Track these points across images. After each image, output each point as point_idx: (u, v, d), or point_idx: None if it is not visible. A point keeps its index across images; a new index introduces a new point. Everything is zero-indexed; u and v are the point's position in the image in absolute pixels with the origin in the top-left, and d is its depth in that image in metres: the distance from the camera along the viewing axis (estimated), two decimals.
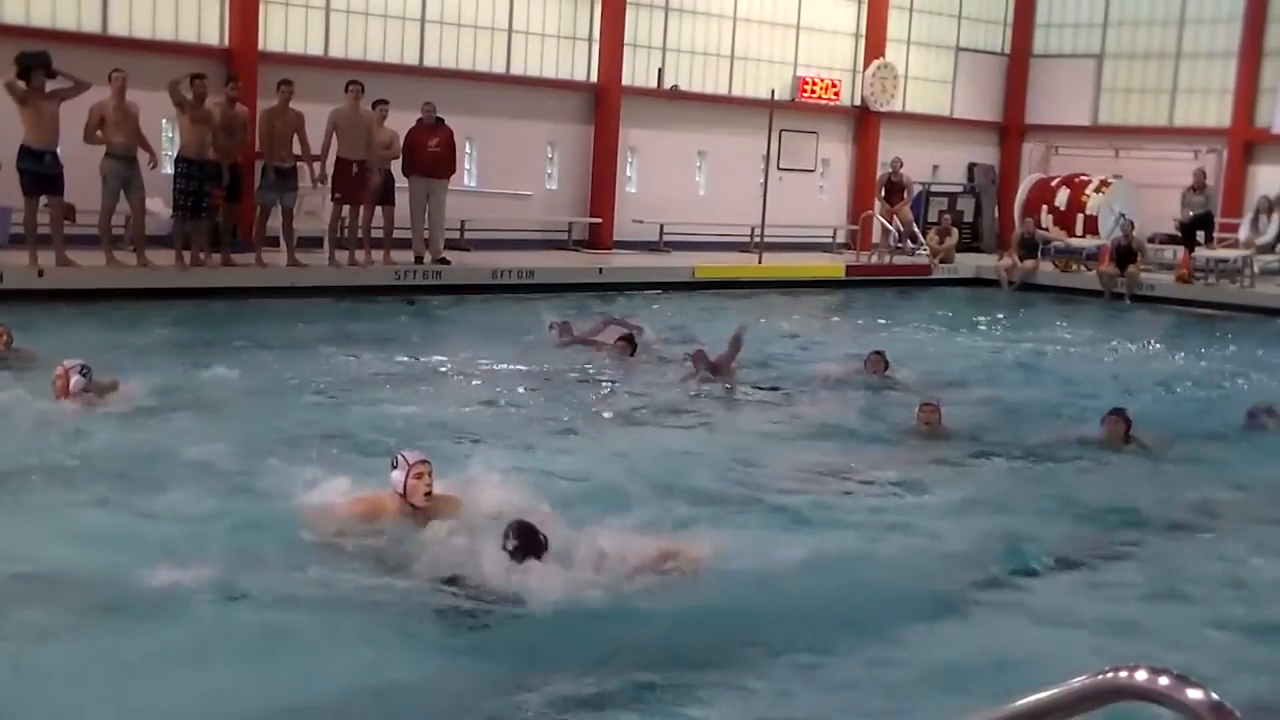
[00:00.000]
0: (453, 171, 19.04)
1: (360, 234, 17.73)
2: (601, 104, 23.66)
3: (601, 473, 8.67)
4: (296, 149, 16.85)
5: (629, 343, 13.13)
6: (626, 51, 23.94)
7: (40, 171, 14.95)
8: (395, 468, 6.64)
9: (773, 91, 23.81)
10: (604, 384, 12.04)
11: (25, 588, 6.09)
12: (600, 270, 20.57)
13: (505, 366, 12.59)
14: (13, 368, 10.51)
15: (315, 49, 20.69)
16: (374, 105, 17.50)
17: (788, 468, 9.24)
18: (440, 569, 6.20)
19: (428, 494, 6.62)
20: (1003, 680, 5.34)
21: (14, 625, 5.69)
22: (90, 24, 18.66)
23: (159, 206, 16.49)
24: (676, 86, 24.55)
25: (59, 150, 15.11)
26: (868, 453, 9.89)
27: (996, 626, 6.44)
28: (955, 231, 24.88)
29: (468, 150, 21.17)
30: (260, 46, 19.86)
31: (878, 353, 12.80)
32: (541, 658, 5.65)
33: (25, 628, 5.67)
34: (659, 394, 11.60)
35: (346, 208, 17.51)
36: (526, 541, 6.05)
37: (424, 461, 6.66)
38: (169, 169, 16.73)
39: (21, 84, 14.89)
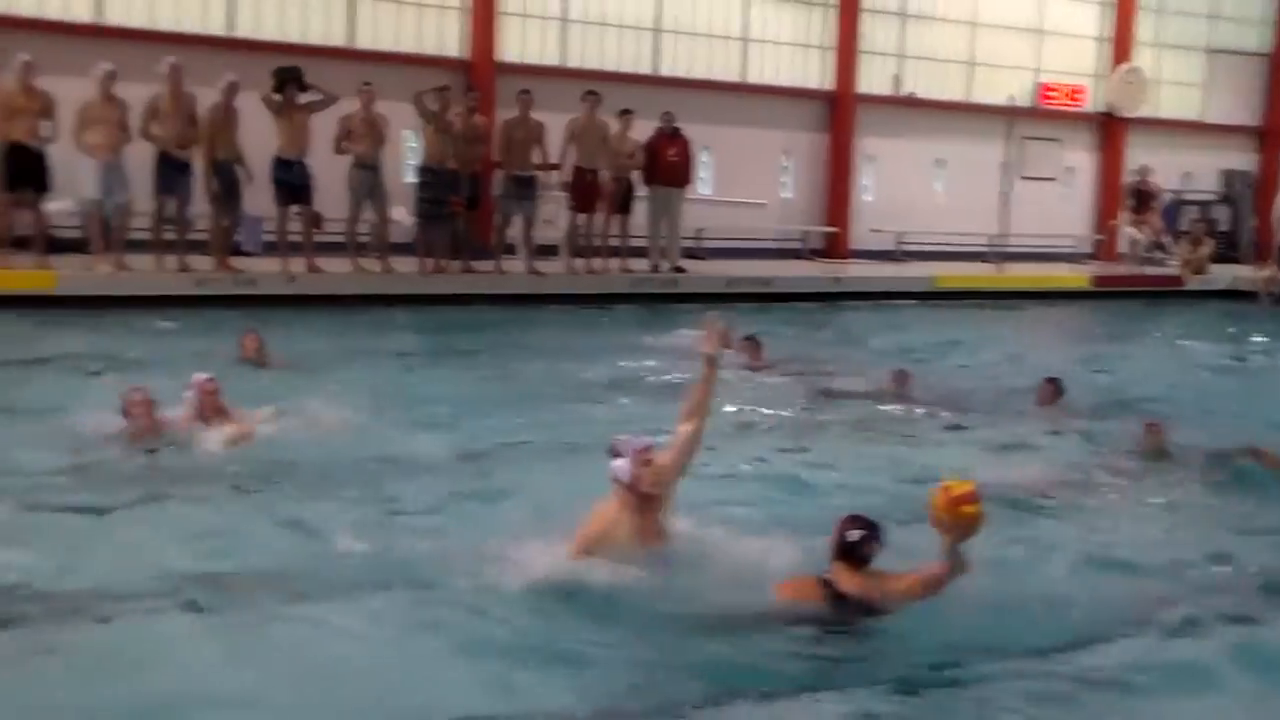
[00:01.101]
0: (689, 181, 18.95)
1: (597, 242, 17.80)
2: (837, 111, 23.33)
3: (801, 486, 8.33)
4: (536, 158, 16.98)
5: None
6: (862, 59, 23.60)
7: (291, 181, 15.40)
8: (618, 455, 6.17)
9: (1011, 98, 23.15)
10: (803, 398, 11.48)
11: (247, 585, 6.12)
12: (837, 279, 20.19)
13: (735, 378, 12.22)
14: (266, 371, 10.73)
15: (552, 59, 20.89)
16: (620, 114, 17.56)
17: (998, 486, 8.66)
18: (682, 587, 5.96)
19: (655, 481, 6.33)
20: None
21: (224, 620, 5.73)
22: (338, 38, 19.20)
23: (402, 215, 16.80)
24: (914, 94, 24.04)
25: (308, 160, 15.51)
26: (1087, 471, 9.22)
27: (1223, 661, 5.85)
28: (1209, 241, 23.72)
29: (703, 159, 21.07)
30: (498, 57, 20.16)
31: (1051, 380, 11.39)
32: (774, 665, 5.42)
33: (236, 624, 5.70)
34: (854, 411, 11.07)
35: (583, 216, 17.58)
36: (872, 531, 5.67)
37: (650, 448, 6.25)
38: (411, 178, 17.03)
39: (277, 97, 15.35)
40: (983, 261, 22.85)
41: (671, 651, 5.50)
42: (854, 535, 5.65)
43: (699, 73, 22.14)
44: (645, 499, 6.14)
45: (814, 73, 23.50)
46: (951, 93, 24.78)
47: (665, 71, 21.85)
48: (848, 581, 5.63)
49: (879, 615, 5.64)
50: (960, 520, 5.43)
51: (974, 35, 25.04)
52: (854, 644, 5.56)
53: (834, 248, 22.90)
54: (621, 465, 6.11)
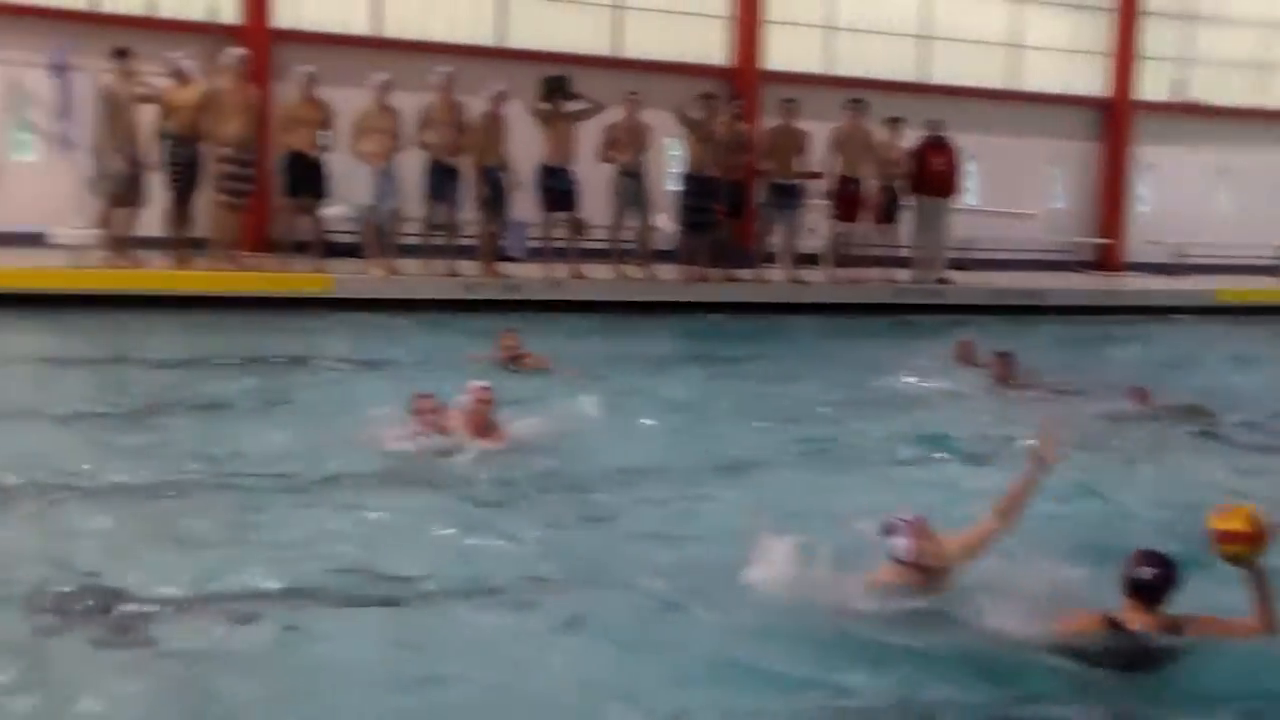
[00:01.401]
0: (956, 190, 18.48)
1: (860, 251, 17.53)
2: (1111, 119, 22.49)
3: (1062, 509, 7.85)
4: (799, 167, 16.82)
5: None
6: (1140, 64, 22.66)
7: (556, 188, 15.59)
8: (893, 533, 5.79)
9: None
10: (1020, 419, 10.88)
11: (496, 586, 6.11)
12: (1109, 292, 19.41)
13: (985, 394, 11.78)
14: (524, 374, 10.85)
15: (817, 67, 20.69)
16: (888, 122, 17.30)
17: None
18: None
19: (940, 558, 5.83)
20: None
21: (462, 620, 5.74)
22: (604, 47, 19.42)
23: (665, 222, 16.84)
24: (1199, 101, 22.97)
25: (574, 168, 15.68)
26: None
27: None
28: None
29: (969, 168, 20.53)
30: (763, 66, 20.08)
31: None
32: None
33: (478, 624, 5.69)
34: (1108, 429, 10.31)
35: (845, 225, 17.33)
36: (1166, 570, 5.27)
37: (925, 521, 5.84)
38: (675, 186, 17.05)
39: (544, 106, 15.57)
40: (1271, 275, 21.66)
41: (941, 684, 5.23)
42: (1146, 574, 5.26)
43: (967, 79, 21.62)
44: (927, 571, 5.80)
45: (1088, 79, 22.70)
46: (1238, 98, 23.58)
47: (932, 79, 21.41)
48: (1139, 621, 5.24)
49: (1173, 659, 5.23)
50: (1244, 551, 5.08)
51: (1264, 36, 23.78)
52: (1145, 689, 5.19)
53: (1106, 260, 22.08)
54: (900, 544, 5.75)
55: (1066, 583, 5.89)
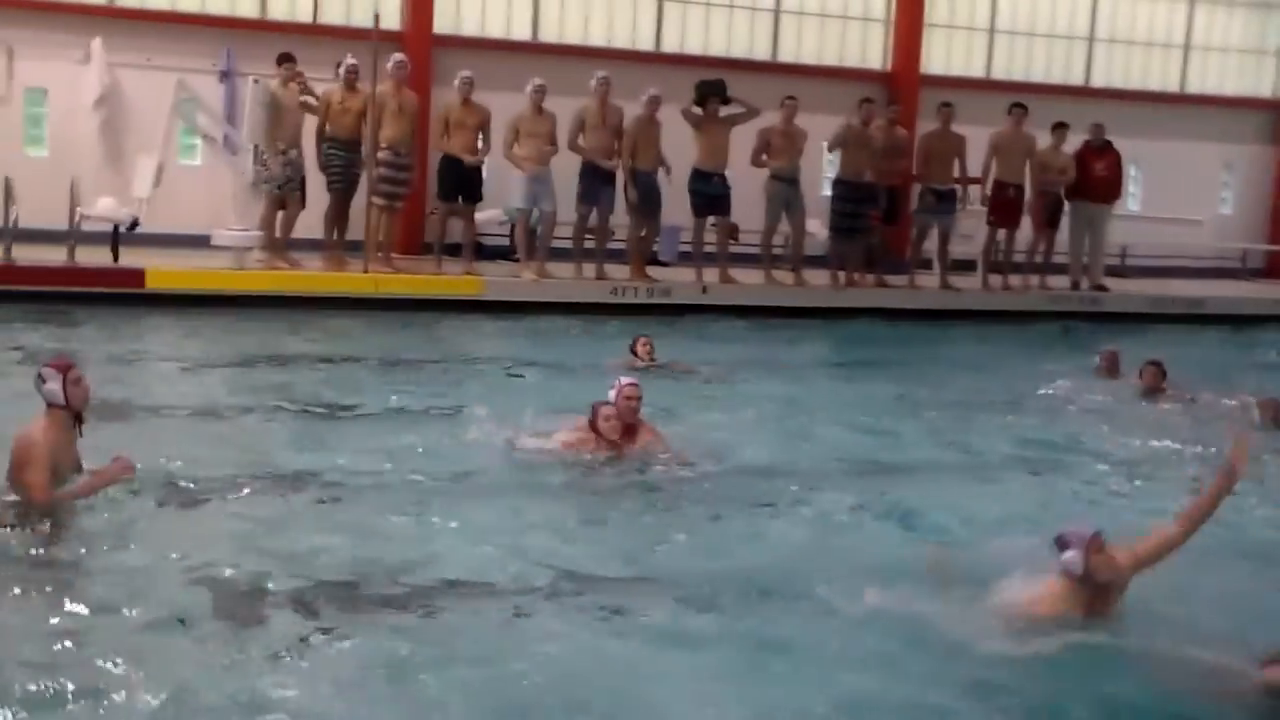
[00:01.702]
0: (1118, 196, 18.04)
1: (1019, 258, 17.24)
2: None
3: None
4: (956, 172, 16.59)
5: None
6: None
7: (709, 192, 15.57)
8: (1066, 547, 5.60)
9: None
10: (1170, 430, 10.39)
11: (623, 588, 6.15)
12: (1278, 301, 18.75)
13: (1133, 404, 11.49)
14: (663, 376, 10.84)
15: (977, 71, 20.39)
16: (1054, 128, 17.01)
17: None
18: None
19: (1113, 572, 5.66)
20: None
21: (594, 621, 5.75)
22: (761, 52, 19.37)
23: (817, 227, 16.74)
24: None
25: (727, 172, 15.66)
26: None
27: None
28: None
29: (1132, 173, 20.01)
30: (922, 69, 19.83)
31: None
32: None
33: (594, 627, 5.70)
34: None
35: (1002, 231, 17.05)
36: None
37: (1099, 534, 5.58)
38: (828, 191, 16.93)
39: (697, 110, 15.57)
40: None
41: None
42: None
43: (1133, 83, 21.09)
44: (1098, 589, 5.65)
45: (1266, 80, 21.99)
46: None
47: (1096, 82, 20.93)
48: None
49: None
50: None
51: None
52: None
53: (1278, 268, 21.33)
54: (1073, 558, 5.58)
55: (1236, 599, 5.71)
